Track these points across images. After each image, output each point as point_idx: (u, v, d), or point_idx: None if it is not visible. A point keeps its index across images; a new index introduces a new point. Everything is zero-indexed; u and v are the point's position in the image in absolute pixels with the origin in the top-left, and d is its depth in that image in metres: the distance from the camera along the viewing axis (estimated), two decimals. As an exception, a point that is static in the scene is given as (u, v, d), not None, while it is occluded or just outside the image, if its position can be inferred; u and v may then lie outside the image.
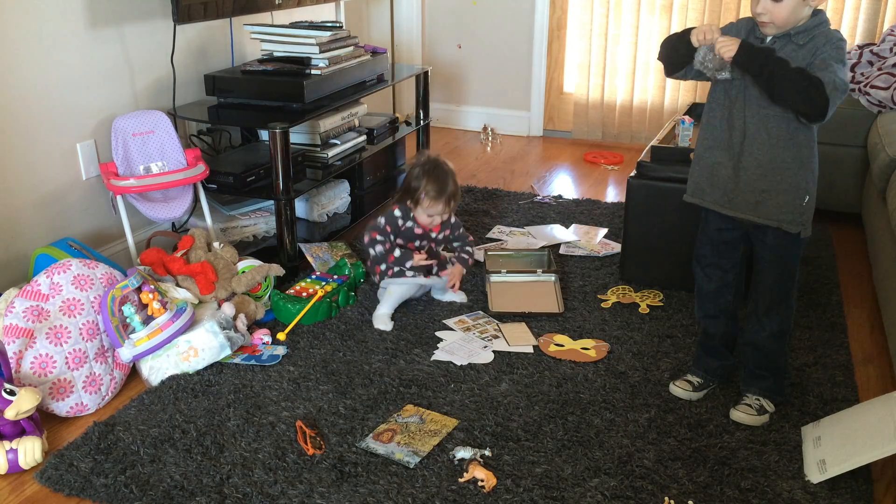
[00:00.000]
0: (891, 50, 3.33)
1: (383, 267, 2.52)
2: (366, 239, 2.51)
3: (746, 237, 2.02)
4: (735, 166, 1.91)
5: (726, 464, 1.87)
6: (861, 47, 3.44)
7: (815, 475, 1.81)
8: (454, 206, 2.53)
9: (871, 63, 3.35)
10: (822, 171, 3.29)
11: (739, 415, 2.03)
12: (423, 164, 2.49)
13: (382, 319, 2.50)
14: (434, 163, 2.49)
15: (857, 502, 1.75)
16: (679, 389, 2.14)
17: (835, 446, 1.85)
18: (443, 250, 2.65)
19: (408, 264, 2.49)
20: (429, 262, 2.51)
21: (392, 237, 2.51)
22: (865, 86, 3.21)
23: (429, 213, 2.48)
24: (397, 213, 2.51)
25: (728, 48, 1.76)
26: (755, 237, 1.99)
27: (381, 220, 2.53)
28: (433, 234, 2.56)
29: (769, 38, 1.83)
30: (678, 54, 1.90)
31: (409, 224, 2.50)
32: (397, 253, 2.48)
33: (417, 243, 2.56)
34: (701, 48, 1.82)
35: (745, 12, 4.18)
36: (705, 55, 1.81)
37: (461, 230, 2.65)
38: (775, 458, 1.89)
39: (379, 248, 2.49)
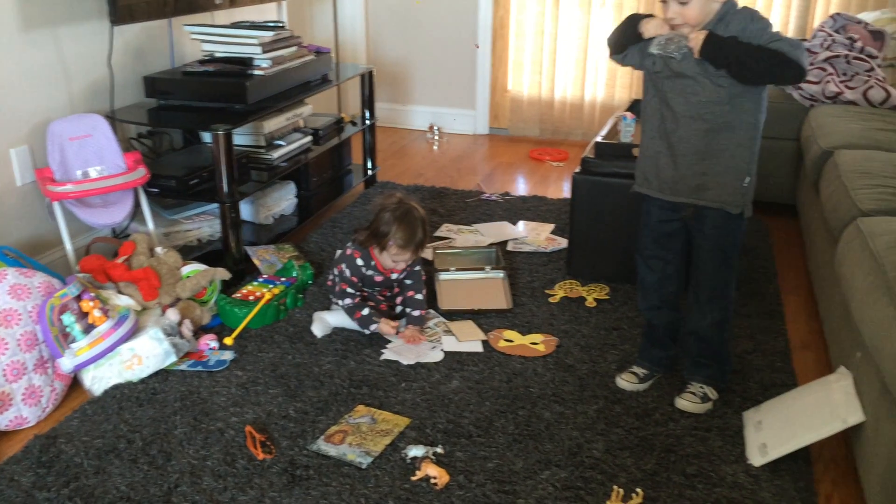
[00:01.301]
0: (821, 45, 3.44)
1: (347, 301, 2.42)
2: (336, 289, 2.43)
3: (686, 229, 2.07)
4: (672, 154, 1.97)
5: (672, 451, 1.92)
6: (793, 43, 3.54)
7: (756, 458, 1.87)
8: (420, 252, 2.44)
9: (802, 58, 3.45)
10: (758, 164, 3.41)
11: (684, 403, 2.08)
12: (394, 209, 2.35)
13: (323, 327, 2.46)
14: (406, 210, 2.35)
15: (797, 483, 1.81)
16: (625, 382, 2.18)
17: (775, 430, 1.91)
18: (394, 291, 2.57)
19: (371, 328, 2.40)
20: (390, 331, 2.40)
21: (359, 285, 2.45)
22: (798, 80, 3.31)
23: (394, 259, 2.40)
24: (359, 262, 2.42)
25: (696, 44, 1.82)
26: (695, 228, 2.04)
27: (347, 270, 2.42)
28: (393, 276, 2.48)
29: None
30: (625, 37, 1.97)
31: (370, 272, 2.44)
32: (365, 312, 2.39)
33: (378, 289, 2.51)
34: (658, 37, 1.88)
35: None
36: (662, 44, 1.87)
37: (417, 267, 2.51)
38: (719, 444, 1.94)
39: (348, 301, 2.40)
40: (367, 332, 2.41)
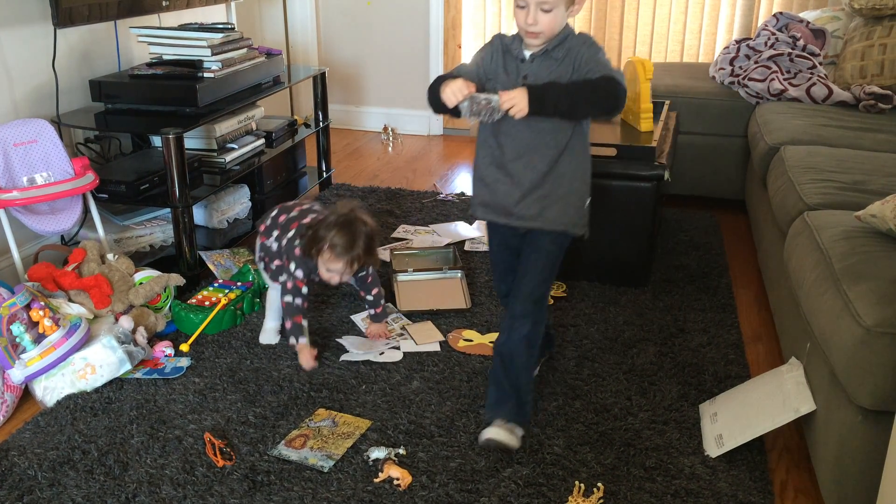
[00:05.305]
0: (765, 44, 3.53)
1: (297, 301, 2.27)
2: (289, 285, 2.26)
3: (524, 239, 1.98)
4: (512, 181, 1.89)
5: (631, 445, 1.95)
6: (738, 42, 3.63)
7: (713, 450, 1.91)
8: (357, 268, 2.23)
9: (747, 57, 3.54)
10: (708, 160, 3.49)
11: (494, 433, 1.89)
12: (340, 215, 2.18)
13: (270, 334, 2.42)
14: (350, 218, 2.17)
15: (752, 472, 1.85)
16: None
17: (730, 421, 1.95)
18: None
19: (301, 340, 2.24)
20: (308, 362, 2.25)
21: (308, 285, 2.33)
22: (743, 79, 3.39)
23: (328, 268, 2.19)
24: (310, 264, 2.27)
25: (519, 107, 1.72)
26: (530, 241, 1.95)
27: (299, 271, 2.25)
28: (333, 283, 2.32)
29: (528, 54, 1.84)
30: (438, 105, 1.83)
31: (315, 278, 2.30)
32: (304, 323, 2.27)
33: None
34: (464, 104, 1.76)
35: (629, 10, 4.34)
36: (471, 109, 1.77)
37: (364, 272, 2.36)
38: (676, 437, 1.98)
39: (298, 301, 2.26)
40: (288, 341, 2.28)
